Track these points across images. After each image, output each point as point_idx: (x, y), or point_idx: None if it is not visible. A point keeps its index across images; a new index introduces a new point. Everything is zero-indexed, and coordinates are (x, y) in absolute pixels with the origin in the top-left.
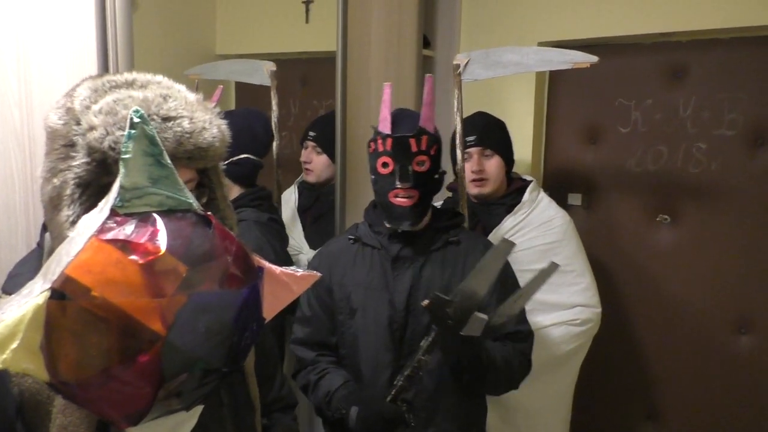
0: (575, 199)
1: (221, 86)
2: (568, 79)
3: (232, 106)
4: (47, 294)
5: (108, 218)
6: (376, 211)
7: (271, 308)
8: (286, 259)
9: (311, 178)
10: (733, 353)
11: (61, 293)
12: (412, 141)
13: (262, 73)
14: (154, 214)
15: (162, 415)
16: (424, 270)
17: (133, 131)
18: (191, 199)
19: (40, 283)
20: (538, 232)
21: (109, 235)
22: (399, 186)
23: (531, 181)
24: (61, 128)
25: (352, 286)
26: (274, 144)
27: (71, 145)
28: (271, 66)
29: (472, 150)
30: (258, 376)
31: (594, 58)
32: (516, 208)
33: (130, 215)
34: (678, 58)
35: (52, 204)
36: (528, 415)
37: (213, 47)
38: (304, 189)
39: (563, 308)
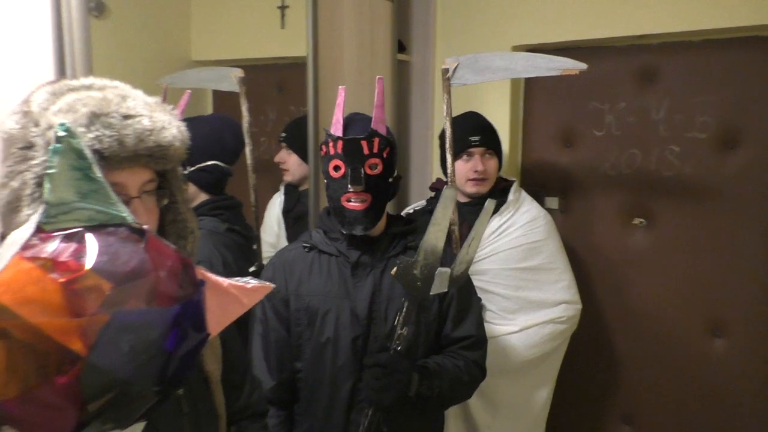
0: (552, 202)
1: (188, 91)
2: (543, 83)
3: (210, 113)
4: None
5: (33, 234)
6: (330, 217)
7: (219, 322)
8: (238, 271)
9: (288, 178)
10: (707, 356)
11: None
12: (364, 143)
13: (230, 80)
14: (83, 230)
15: None
16: (384, 276)
17: (58, 146)
18: (125, 213)
19: None
20: (523, 231)
21: (31, 253)
22: (351, 189)
23: (513, 182)
24: (18, 132)
25: (309, 295)
26: (247, 150)
27: (30, 147)
28: (238, 72)
29: (475, 150)
30: (224, 383)
31: (583, 66)
32: (501, 208)
33: (57, 231)
34: (650, 61)
35: (10, 207)
36: (514, 408)
37: (188, 53)
38: (289, 190)
39: (549, 306)
